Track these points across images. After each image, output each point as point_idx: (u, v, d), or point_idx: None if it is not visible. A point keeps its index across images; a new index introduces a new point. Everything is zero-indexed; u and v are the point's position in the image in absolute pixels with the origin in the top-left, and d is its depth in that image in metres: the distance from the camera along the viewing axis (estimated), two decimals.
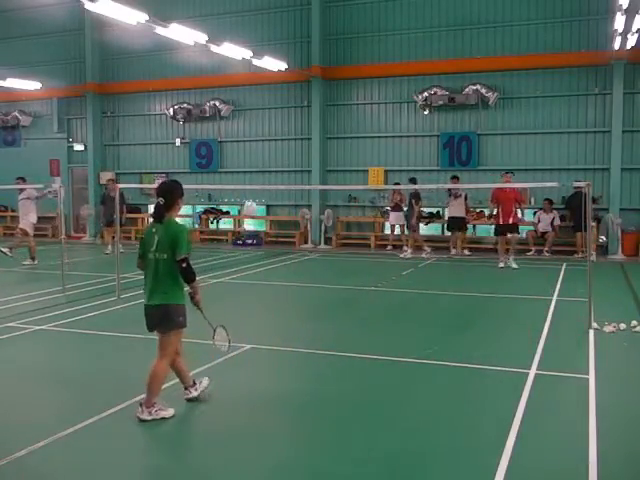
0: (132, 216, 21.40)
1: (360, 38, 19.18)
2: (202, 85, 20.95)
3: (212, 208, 21.50)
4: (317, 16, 19.17)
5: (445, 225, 18.02)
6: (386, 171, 19.04)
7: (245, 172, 20.84)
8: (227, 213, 21.43)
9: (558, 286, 11.83)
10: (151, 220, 5.47)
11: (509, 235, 14.48)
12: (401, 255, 16.52)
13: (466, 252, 17.03)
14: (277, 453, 4.67)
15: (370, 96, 19.40)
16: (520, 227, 15.01)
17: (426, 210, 18.71)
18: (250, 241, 19.83)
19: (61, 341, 8.04)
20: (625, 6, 12.30)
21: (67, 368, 6.84)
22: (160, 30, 14.27)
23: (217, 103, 20.71)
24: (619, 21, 13.25)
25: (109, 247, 16.93)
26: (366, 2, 19.06)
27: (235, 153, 21.08)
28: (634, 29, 13.54)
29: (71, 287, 11.27)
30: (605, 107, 16.99)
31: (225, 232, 21.04)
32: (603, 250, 16.63)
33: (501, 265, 14.26)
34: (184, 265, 5.16)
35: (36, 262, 14.74)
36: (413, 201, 16.28)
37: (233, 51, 16.48)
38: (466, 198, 17.04)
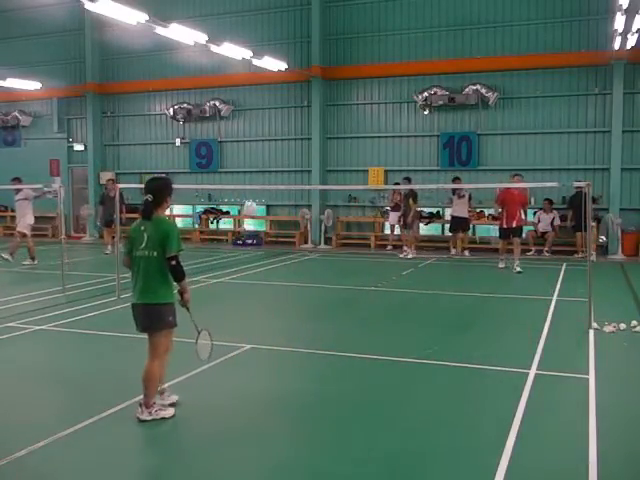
0: (132, 216, 21.37)
1: (360, 38, 19.18)
2: (202, 85, 20.96)
3: (212, 208, 21.50)
4: (317, 16, 19.18)
5: (447, 225, 17.92)
6: (386, 171, 19.04)
7: (245, 172, 20.84)
8: (227, 213, 21.43)
9: (558, 286, 11.83)
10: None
11: (512, 239, 13.98)
12: (401, 255, 16.51)
13: (466, 253, 17.00)
14: (277, 453, 4.67)
15: (370, 96, 19.40)
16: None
17: (426, 210, 18.73)
18: (250, 241, 19.83)
19: (61, 341, 8.05)
20: (625, 6, 12.30)
21: (67, 368, 6.85)
22: (160, 30, 14.27)
23: (217, 103, 20.72)
24: (619, 21, 13.25)
25: (109, 247, 16.93)
26: (366, 2, 19.06)
27: (235, 153, 21.08)
28: (634, 29, 13.54)
29: (71, 287, 11.27)
30: (605, 107, 16.99)
31: (225, 232, 21.05)
32: (603, 250, 16.63)
33: (501, 266, 14.11)
34: (174, 263, 5.10)
35: (36, 262, 14.73)
36: (410, 200, 16.25)
37: (233, 51, 16.48)
38: (470, 198, 17.00)
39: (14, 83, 20.76)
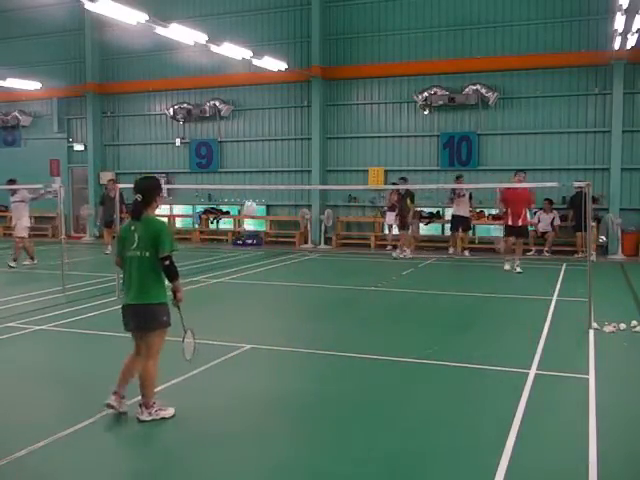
0: None
1: (360, 38, 19.18)
2: (202, 85, 20.96)
3: (212, 208, 21.51)
4: (317, 16, 19.18)
5: (447, 225, 17.91)
6: (386, 171, 19.04)
7: (245, 172, 20.84)
8: (227, 213, 21.43)
9: (558, 286, 11.83)
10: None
11: (516, 239, 13.66)
12: (394, 254, 16.35)
13: (466, 253, 16.99)
14: (277, 453, 4.67)
15: (370, 96, 19.41)
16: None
17: (426, 210, 18.74)
18: (250, 241, 19.83)
19: (61, 341, 8.05)
20: (625, 6, 12.30)
21: (67, 368, 6.85)
22: (160, 30, 14.27)
23: (217, 103, 20.72)
24: (619, 21, 13.25)
25: (109, 247, 16.93)
26: (366, 2, 19.06)
27: (235, 153, 21.08)
28: (634, 29, 13.54)
29: (71, 287, 11.27)
30: (605, 107, 16.99)
31: (225, 232, 21.05)
32: (603, 250, 16.63)
33: (507, 267, 13.73)
34: (167, 263, 5.09)
35: (36, 261, 14.72)
36: (408, 200, 16.24)
37: (233, 51, 16.48)
38: (470, 197, 16.99)
39: (14, 83, 20.76)
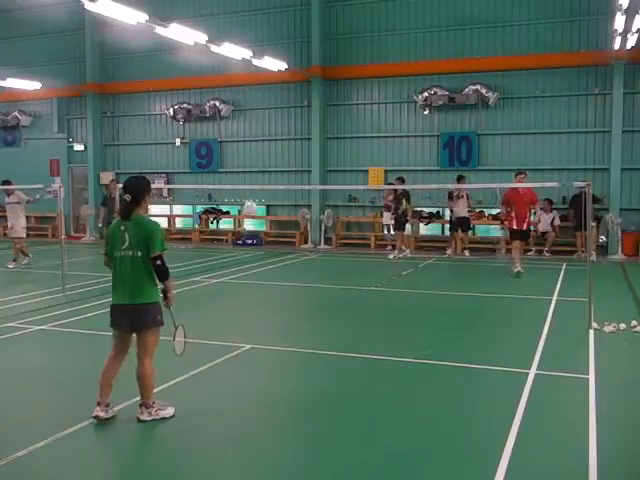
0: None
1: (360, 38, 19.18)
2: (202, 85, 20.96)
3: (212, 208, 21.51)
4: (317, 16, 19.17)
5: (447, 225, 17.91)
6: (386, 171, 19.03)
7: (245, 172, 20.84)
8: (227, 213, 21.43)
9: (558, 286, 11.83)
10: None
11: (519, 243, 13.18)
12: (390, 257, 16.32)
13: (466, 253, 16.99)
14: (277, 453, 4.67)
15: (370, 96, 19.40)
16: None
17: (426, 210, 18.75)
18: (250, 241, 19.83)
19: (61, 341, 8.05)
20: (625, 6, 12.29)
21: (67, 368, 6.85)
22: (160, 30, 14.26)
23: (217, 103, 20.71)
24: (619, 21, 13.25)
25: None
26: (366, 2, 19.06)
27: (235, 153, 21.08)
28: (634, 29, 13.53)
29: (71, 287, 11.27)
30: (605, 107, 16.99)
31: (225, 232, 21.05)
32: (603, 250, 16.63)
33: (518, 269, 12.95)
34: (158, 263, 5.10)
35: (31, 256, 14.66)
36: (404, 200, 16.25)
37: (233, 51, 16.48)
38: (468, 197, 17.01)
39: (14, 83, 20.78)
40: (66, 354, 7.47)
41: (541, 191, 16.93)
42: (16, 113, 23.68)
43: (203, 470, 4.40)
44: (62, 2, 20.50)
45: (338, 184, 19.49)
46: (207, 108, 20.78)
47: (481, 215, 18.23)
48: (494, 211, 18.18)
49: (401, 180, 16.73)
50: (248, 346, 7.45)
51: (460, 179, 16.57)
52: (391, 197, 17.16)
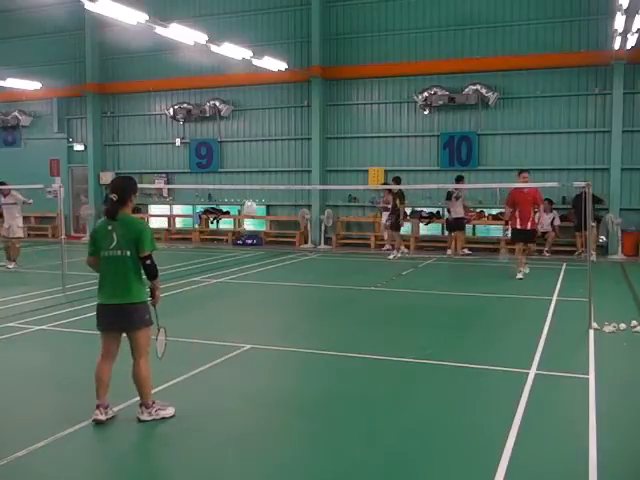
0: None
1: (360, 38, 19.18)
2: (202, 85, 20.96)
3: (212, 208, 21.51)
4: (317, 16, 19.17)
5: (446, 226, 17.92)
6: (386, 171, 19.03)
7: (245, 172, 20.84)
8: (227, 213, 21.43)
9: (558, 286, 11.83)
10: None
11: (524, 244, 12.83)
12: (390, 257, 16.32)
13: (465, 251, 17.02)
14: (277, 453, 4.67)
15: (370, 96, 19.40)
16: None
17: (426, 210, 18.75)
18: (250, 241, 19.84)
19: (61, 341, 8.05)
20: (625, 6, 12.29)
21: (67, 368, 6.85)
22: (160, 30, 14.26)
23: (217, 103, 20.72)
24: (619, 21, 13.24)
25: None
26: (366, 2, 19.06)
27: (235, 153, 21.08)
28: (634, 29, 13.53)
29: (71, 287, 11.26)
30: (605, 107, 16.99)
31: (225, 232, 21.05)
32: (603, 250, 16.63)
33: (519, 276, 12.64)
34: (148, 262, 5.11)
35: (17, 265, 14.42)
36: (397, 200, 16.27)
37: (233, 51, 16.47)
38: (464, 198, 17.11)
39: (14, 83, 20.78)
40: (66, 354, 7.47)
41: (541, 191, 16.95)
42: (16, 113, 23.68)
43: (203, 470, 4.39)
44: (62, 2, 20.51)
45: (338, 184, 19.49)
46: (207, 108, 20.79)
47: (481, 215, 18.24)
48: (494, 211, 18.21)
49: (397, 180, 16.75)
50: (248, 346, 7.45)
51: (459, 179, 16.58)
52: (386, 197, 17.23)
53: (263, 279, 13.19)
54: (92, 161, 22.60)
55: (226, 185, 20.53)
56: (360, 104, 19.48)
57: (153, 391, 5.30)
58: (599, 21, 16.64)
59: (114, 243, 5.10)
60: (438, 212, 18.72)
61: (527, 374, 6.35)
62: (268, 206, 20.75)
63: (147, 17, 13.21)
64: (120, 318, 5.15)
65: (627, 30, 13.89)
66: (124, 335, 5.25)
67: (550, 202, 16.98)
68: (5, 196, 14.47)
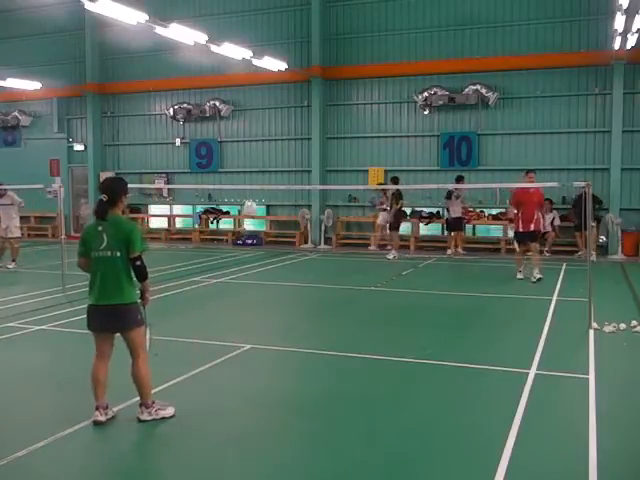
0: (132, 216, 21.42)
1: (360, 38, 19.18)
2: (202, 85, 20.96)
3: (212, 208, 21.51)
4: (317, 16, 19.17)
5: (446, 226, 17.92)
6: (386, 171, 19.03)
7: (245, 172, 20.84)
8: (227, 213, 21.43)
9: (558, 286, 11.83)
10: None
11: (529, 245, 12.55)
12: (389, 257, 16.28)
13: (460, 250, 17.05)
14: (277, 453, 4.67)
15: (370, 96, 19.40)
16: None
17: (426, 210, 18.75)
18: (250, 241, 19.84)
19: (61, 341, 8.04)
20: (625, 6, 12.29)
21: (67, 368, 6.84)
22: (160, 30, 14.26)
23: (217, 103, 20.72)
24: (619, 21, 13.25)
25: None
26: (366, 2, 19.06)
27: (235, 153, 21.08)
28: (634, 29, 13.54)
29: (71, 287, 11.26)
30: (605, 107, 16.99)
31: (225, 232, 21.05)
32: (603, 250, 16.63)
33: (520, 277, 12.60)
34: (138, 263, 5.09)
35: (10, 266, 14.45)
36: (393, 200, 16.29)
37: (233, 51, 16.47)
38: (463, 198, 17.15)
39: (14, 83, 20.77)
40: (66, 354, 7.46)
41: (542, 191, 16.97)
42: (16, 113, 23.68)
43: (203, 470, 4.39)
44: (62, 2, 20.51)
45: (338, 184, 19.49)
46: (207, 108, 20.79)
47: (481, 215, 18.24)
48: (494, 211, 18.22)
49: (395, 180, 16.77)
50: (248, 346, 7.45)
51: (460, 179, 16.60)
52: (383, 199, 17.33)
53: (263, 279, 13.19)
54: (92, 161, 22.60)
55: (226, 185, 20.53)
56: (360, 104, 19.48)
57: (153, 391, 5.30)
58: (599, 21, 16.64)
59: (104, 244, 5.09)
60: (438, 212, 18.72)
61: (527, 374, 6.35)
62: (268, 206, 20.75)
63: (147, 17, 13.21)
64: (113, 319, 5.14)
65: (627, 30, 13.89)
66: (118, 335, 5.24)
67: (550, 202, 16.97)
68: (1, 197, 14.45)
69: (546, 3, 17.31)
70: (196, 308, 9.97)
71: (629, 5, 12.24)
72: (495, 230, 18.15)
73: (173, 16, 18.12)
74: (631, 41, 14.64)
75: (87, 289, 5.26)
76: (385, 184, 17.87)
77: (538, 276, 12.18)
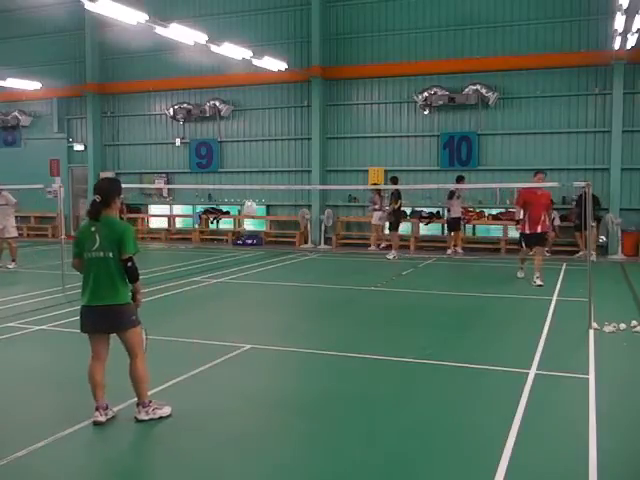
0: (132, 216, 21.43)
1: (360, 38, 19.18)
2: (202, 85, 20.96)
3: (212, 208, 21.51)
4: (317, 16, 19.17)
5: (447, 225, 17.92)
6: (386, 171, 19.03)
7: (245, 172, 20.84)
8: (227, 213, 21.43)
9: (558, 286, 11.83)
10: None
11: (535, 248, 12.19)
12: (389, 257, 16.29)
13: (459, 250, 17.06)
14: (277, 453, 4.67)
15: (370, 96, 19.40)
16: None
17: (426, 210, 18.75)
18: (250, 241, 19.84)
19: (61, 341, 8.04)
20: (625, 6, 12.30)
21: (67, 368, 6.83)
22: (160, 30, 14.26)
23: (217, 103, 20.72)
24: (619, 21, 13.25)
25: None
26: (366, 2, 19.06)
27: (235, 153, 21.08)
28: (634, 29, 13.54)
29: (71, 287, 11.23)
30: (605, 107, 17.00)
31: (225, 232, 21.05)
32: (603, 250, 16.63)
33: (520, 275, 12.51)
34: (130, 264, 5.06)
35: (12, 266, 14.51)
36: (392, 200, 16.32)
37: (233, 51, 16.48)
38: (463, 198, 17.16)
39: (14, 83, 20.78)
40: (66, 354, 7.45)
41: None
42: (16, 113, 23.69)
43: (203, 470, 4.39)
44: (62, 2, 20.52)
45: (338, 184, 19.49)
46: (207, 108, 20.79)
47: (481, 215, 18.24)
48: (494, 211, 18.22)
49: (394, 180, 16.78)
50: (248, 346, 7.45)
51: (460, 179, 16.61)
52: (377, 197, 17.36)
53: (263, 279, 13.19)
54: (92, 161, 22.61)
55: (226, 185, 20.54)
56: (360, 104, 19.48)
57: (154, 391, 5.30)
58: (599, 21, 16.64)
59: (97, 245, 5.07)
60: (438, 212, 18.72)
61: (527, 374, 6.35)
62: (268, 206, 20.75)
63: (147, 17, 13.21)
64: (108, 319, 5.12)
65: (627, 30, 13.89)
66: (114, 335, 5.23)
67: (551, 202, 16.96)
68: None
69: (546, 3, 17.32)
70: (196, 308, 9.97)
71: (629, 5, 12.24)
72: (495, 230, 18.15)
73: (173, 16, 18.13)
74: (631, 41, 14.64)
75: None
76: (380, 184, 17.89)
77: (539, 282, 11.73)
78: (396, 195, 16.40)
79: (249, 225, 21.12)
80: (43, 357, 7.28)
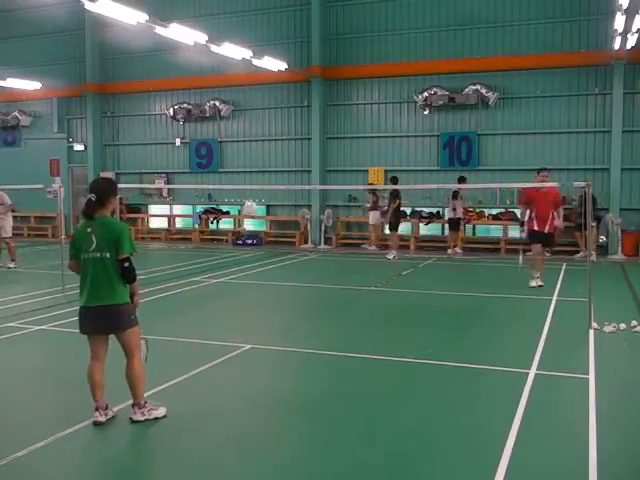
0: (132, 216, 21.44)
1: (360, 38, 19.18)
2: (202, 85, 20.96)
3: (212, 208, 21.52)
4: (317, 16, 19.17)
5: (449, 225, 17.92)
6: (386, 171, 19.03)
7: (245, 172, 20.85)
8: (227, 213, 21.43)
9: (558, 286, 11.82)
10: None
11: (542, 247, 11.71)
12: (389, 257, 16.30)
13: (458, 250, 17.06)
14: (277, 453, 4.67)
15: (370, 96, 19.40)
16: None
17: (426, 210, 18.75)
18: (250, 241, 19.84)
19: (61, 341, 8.03)
20: (625, 6, 12.30)
21: (67, 368, 6.83)
22: (160, 30, 14.26)
23: (217, 103, 20.72)
24: (619, 21, 13.25)
25: None
26: (366, 2, 19.06)
27: (235, 153, 21.08)
28: (634, 29, 13.54)
29: (71, 287, 11.22)
30: (605, 107, 17.00)
31: (225, 232, 21.05)
32: (603, 250, 16.63)
33: (533, 284, 11.59)
34: (126, 265, 5.04)
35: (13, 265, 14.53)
36: (391, 200, 16.34)
37: (233, 51, 16.48)
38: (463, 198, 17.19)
39: (14, 83, 20.78)
40: (66, 354, 7.45)
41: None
42: (16, 113, 23.69)
43: (203, 470, 4.39)
44: (62, 2, 20.52)
45: (338, 184, 19.49)
46: (207, 108, 20.79)
47: (481, 215, 18.24)
48: (494, 211, 18.23)
49: (394, 180, 16.78)
50: (248, 346, 7.45)
51: (462, 180, 16.62)
52: (375, 198, 17.42)
53: (263, 279, 13.19)
54: (92, 161, 22.61)
55: (226, 185, 20.54)
56: (360, 104, 19.48)
57: (154, 391, 5.30)
58: (599, 21, 16.65)
59: (94, 245, 5.04)
60: (438, 212, 18.72)
61: (527, 374, 6.35)
62: (268, 206, 20.76)
63: (147, 17, 13.21)
64: (106, 320, 5.10)
65: (627, 30, 13.89)
66: (112, 336, 5.23)
67: None
68: None
69: (546, 3, 17.32)
70: (196, 308, 9.97)
71: (629, 5, 12.24)
72: (495, 230, 18.15)
73: (173, 16, 18.13)
74: (631, 41, 14.64)
75: None
76: (379, 184, 17.89)
77: (539, 282, 11.53)
78: (395, 195, 16.40)
79: (249, 225, 21.12)
80: (43, 357, 7.28)
